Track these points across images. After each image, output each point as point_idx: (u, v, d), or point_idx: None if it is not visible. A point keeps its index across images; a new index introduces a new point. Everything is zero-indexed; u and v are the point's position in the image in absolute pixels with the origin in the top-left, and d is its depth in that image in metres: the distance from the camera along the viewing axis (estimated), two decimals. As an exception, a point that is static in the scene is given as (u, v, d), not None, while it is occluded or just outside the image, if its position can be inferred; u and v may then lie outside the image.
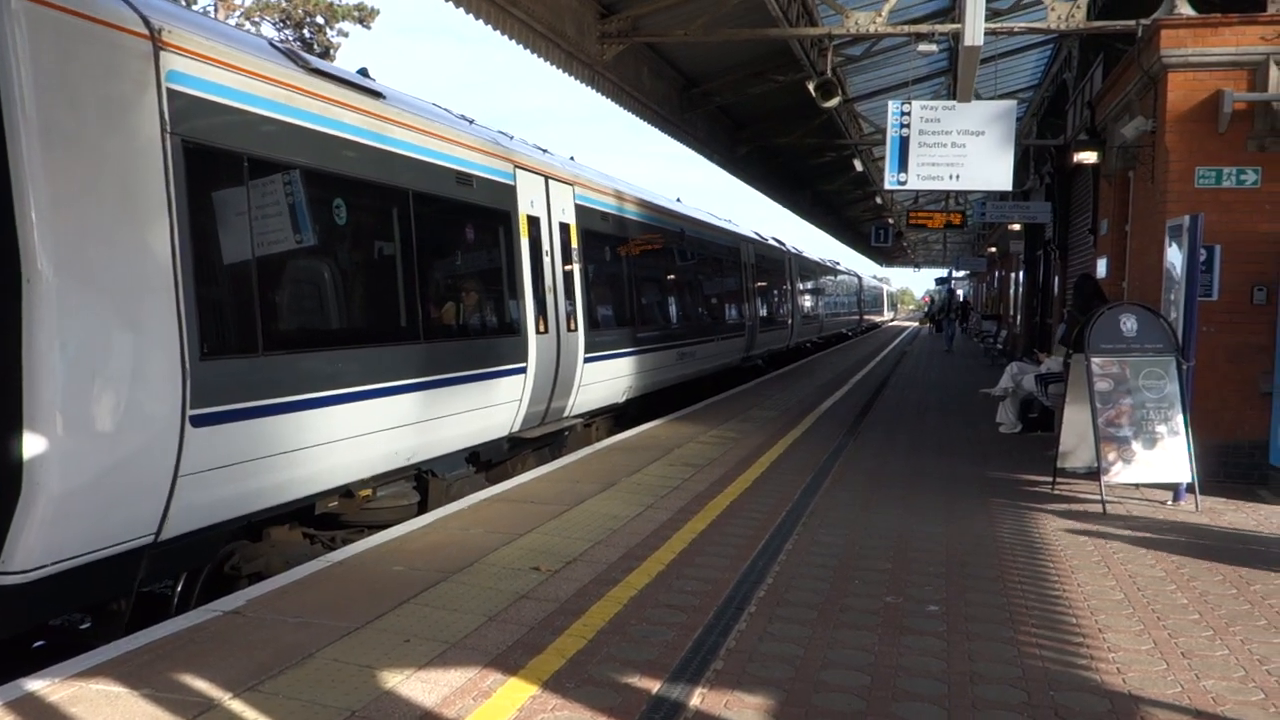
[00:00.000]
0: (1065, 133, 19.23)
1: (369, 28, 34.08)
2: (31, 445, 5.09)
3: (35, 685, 4.62)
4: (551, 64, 14.74)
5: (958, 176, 13.32)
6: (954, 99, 13.50)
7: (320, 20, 33.43)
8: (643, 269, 15.89)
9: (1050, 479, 9.94)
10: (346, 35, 33.94)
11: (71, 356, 5.24)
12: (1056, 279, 21.33)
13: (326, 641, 5.22)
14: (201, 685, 4.63)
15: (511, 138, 11.89)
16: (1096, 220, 15.67)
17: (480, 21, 12.85)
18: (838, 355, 33.54)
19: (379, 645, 5.19)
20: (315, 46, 32.91)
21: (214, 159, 6.41)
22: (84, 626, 6.60)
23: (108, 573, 5.71)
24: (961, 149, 13.22)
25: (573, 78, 15.60)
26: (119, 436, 5.57)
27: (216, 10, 31.05)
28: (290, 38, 32.58)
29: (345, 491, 8.01)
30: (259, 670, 4.82)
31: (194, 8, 25.93)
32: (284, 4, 32.94)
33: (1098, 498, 8.98)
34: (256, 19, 32.49)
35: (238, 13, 32.10)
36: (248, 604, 5.81)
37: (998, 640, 5.44)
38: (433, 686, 4.67)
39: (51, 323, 5.12)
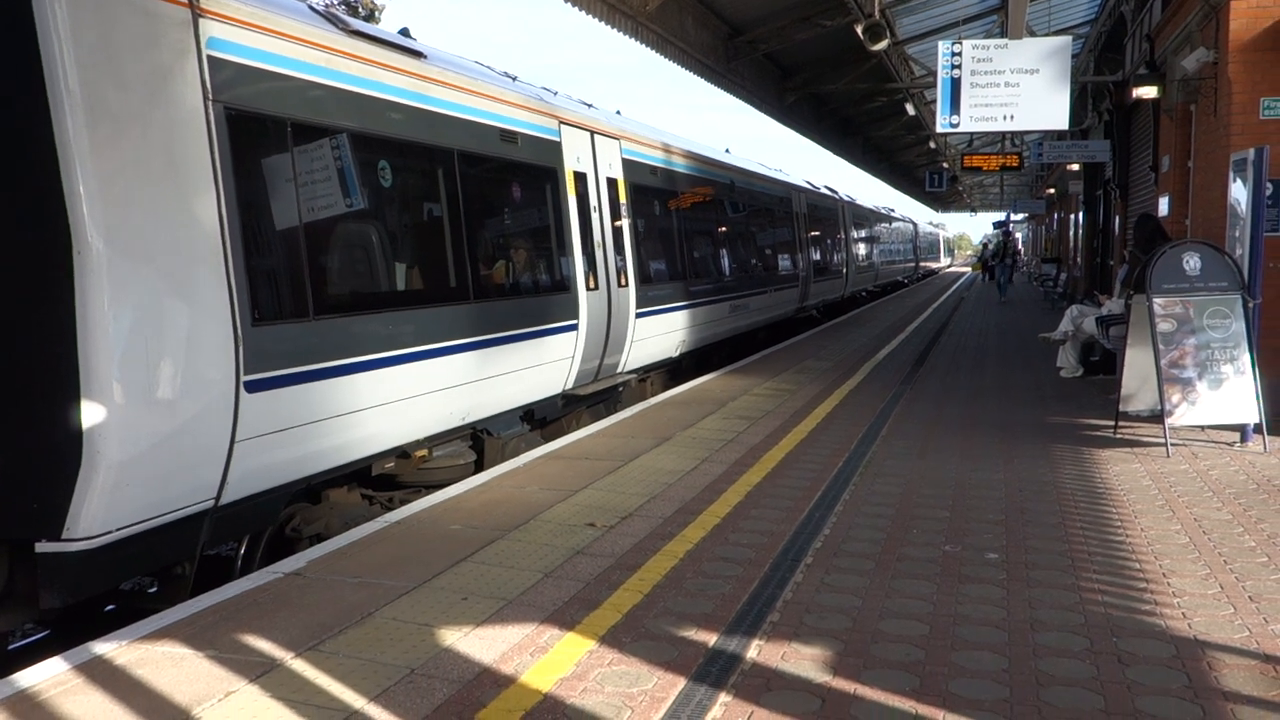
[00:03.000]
0: (1124, 68, 18.77)
1: (413, -11, 34.02)
2: (90, 415, 5.16)
3: (103, 648, 4.71)
4: (594, 17, 14.61)
5: (1012, 117, 13.02)
6: (1006, 37, 13.19)
7: (365, -17, 33.38)
8: (693, 222, 15.78)
9: (1112, 423, 9.77)
10: (391, -3, 33.88)
11: (125, 327, 5.30)
12: (1117, 219, 20.92)
13: (385, 601, 5.27)
14: (264, 645, 4.70)
15: (556, 94, 11.81)
16: (1158, 157, 15.31)
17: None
18: (894, 303, 33.21)
19: (437, 603, 5.23)
20: (360, 10, 32.89)
21: (257, 125, 6.42)
22: (152, 590, 6.74)
23: (170, 537, 5.80)
24: (1015, 88, 12.91)
25: (616, 30, 15.45)
26: (175, 404, 5.63)
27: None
28: (335, 2, 32.59)
29: (402, 452, 8.07)
30: (320, 630, 4.88)
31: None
32: (329, -32, 32.93)
33: (1161, 441, 8.82)
34: (302, -16, 32.53)
35: (283, -21, 32.16)
36: (308, 565, 5.89)
37: (1059, 587, 5.36)
38: (490, 643, 4.70)
39: (103, 294, 5.17)
